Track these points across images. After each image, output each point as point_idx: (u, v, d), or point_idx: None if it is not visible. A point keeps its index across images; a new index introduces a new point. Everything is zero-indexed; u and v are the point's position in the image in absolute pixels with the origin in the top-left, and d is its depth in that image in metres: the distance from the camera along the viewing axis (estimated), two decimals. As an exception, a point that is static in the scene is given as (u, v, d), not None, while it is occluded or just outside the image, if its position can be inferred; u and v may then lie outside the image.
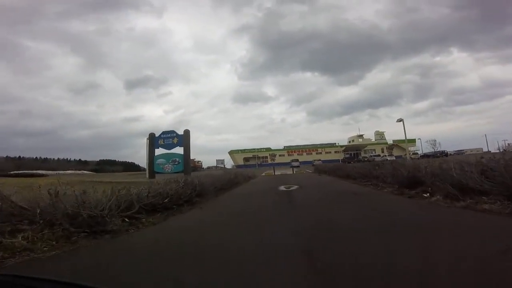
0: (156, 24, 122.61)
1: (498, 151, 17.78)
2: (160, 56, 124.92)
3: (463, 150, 53.71)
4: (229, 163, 70.24)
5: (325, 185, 10.44)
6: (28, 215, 3.78)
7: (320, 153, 68.75)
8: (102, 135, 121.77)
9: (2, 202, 3.86)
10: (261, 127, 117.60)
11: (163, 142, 22.48)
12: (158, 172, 21.44)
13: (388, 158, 41.00)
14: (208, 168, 67.07)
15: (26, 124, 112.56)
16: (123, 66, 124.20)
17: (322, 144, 71.85)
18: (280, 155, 70.57)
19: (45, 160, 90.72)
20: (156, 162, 22.30)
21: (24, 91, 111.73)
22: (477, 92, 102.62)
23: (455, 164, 5.48)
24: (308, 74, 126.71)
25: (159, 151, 22.69)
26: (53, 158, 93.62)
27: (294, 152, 70.69)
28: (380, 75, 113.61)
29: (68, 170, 71.82)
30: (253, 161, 67.33)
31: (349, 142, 72.67)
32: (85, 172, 69.58)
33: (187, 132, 22.37)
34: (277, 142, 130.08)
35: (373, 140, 72.00)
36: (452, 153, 47.56)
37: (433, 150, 51.81)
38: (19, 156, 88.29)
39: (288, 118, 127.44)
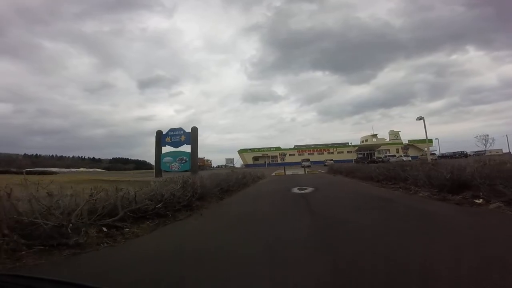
0: (167, 24, 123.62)
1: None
2: (171, 56, 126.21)
3: (482, 150, 50.48)
4: (238, 162, 69.65)
5: (348, 189, 8.99)
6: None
7: (332, 153, 66.61)
8: (115, 133, 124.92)
9: None
10: (270, 126, 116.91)
11: (170, 140, 21.66)
12: (165, 171, 20.76)
13: (404, 159, 39.43)
14: (218, 167, 66.63)
15: (44, 122, 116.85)
16: (136, 66, 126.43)
17: (334, 143, 69.66)
18: (290, 155, 69.06)
19: (61, 157, 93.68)
20: (163, 160, 21.57)
21: (41, 91, 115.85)
22: (494, 91, 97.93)
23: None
24: (319, 73, 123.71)
25: (166, 149, 21.92)
26: (68, 156, 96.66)
27: (305, 151, 68.81)
28: (393, 74, 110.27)
29: (81, 168, 73.47)
30: (262, 161, 66.08)
31: (362, 142, 70.05)
32: (97, 170, 70.94)
33: (194, 130, 21.51)
34: (287, 142, 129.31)
35: (387, 140, 69.12)
36: (472, 154, 45.14)
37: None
38: (36, 154, 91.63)
39: (298, 117, 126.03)
